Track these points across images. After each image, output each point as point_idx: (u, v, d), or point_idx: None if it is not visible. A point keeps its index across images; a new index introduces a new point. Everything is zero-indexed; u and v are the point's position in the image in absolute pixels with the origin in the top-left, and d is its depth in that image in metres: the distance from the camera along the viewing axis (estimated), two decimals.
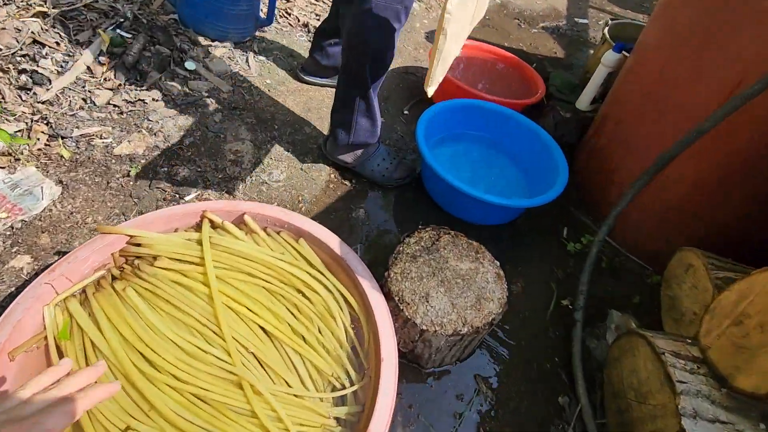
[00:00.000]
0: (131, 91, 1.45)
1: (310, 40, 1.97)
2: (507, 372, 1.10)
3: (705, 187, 1.16)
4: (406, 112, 1.81)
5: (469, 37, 2.03)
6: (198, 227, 1.01)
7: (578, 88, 1.89)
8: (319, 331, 0.91)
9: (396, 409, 0.96)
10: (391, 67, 2.14)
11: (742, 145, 1.05)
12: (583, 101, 1.71)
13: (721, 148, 1.08)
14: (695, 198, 1.19)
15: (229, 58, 1.70)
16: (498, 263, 1.07)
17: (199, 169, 1.35)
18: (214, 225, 1.02)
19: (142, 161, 1.30)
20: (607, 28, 1.87)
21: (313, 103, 1.70)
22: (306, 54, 1.79)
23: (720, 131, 1.00)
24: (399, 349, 1.03)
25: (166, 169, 1.31)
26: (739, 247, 1.20)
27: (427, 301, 0.95)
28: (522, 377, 1.10)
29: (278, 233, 1.05)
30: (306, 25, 2.04)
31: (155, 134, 1.37)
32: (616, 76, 1.65)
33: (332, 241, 1.01)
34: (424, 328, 0.92)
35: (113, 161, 1.28)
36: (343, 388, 0.87)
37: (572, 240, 1.44)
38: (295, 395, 0.82)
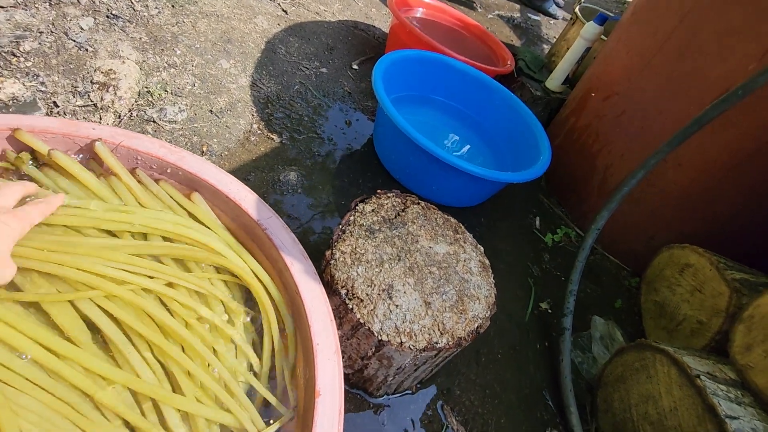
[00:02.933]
0: None
1: None
2: (482, 399, 0.81)
3: (714, 173, 0.98)
4: (355, 66, 1.47)
5: None
6: (3, 158, 0.58)
7: (545, 69, 1.71)
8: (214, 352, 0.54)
9: None
10: (339, 18, 1.80)
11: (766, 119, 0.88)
12: (556, 80, 1.51)
13: (742, 122, 0.91)
14: (699, 187, 1.01)
15: None
16: (482, 248, 0.78)
17: (43, 88, 0.88)
18: (35, 157, 0.60)
19: None
20: (579, 7, 1.71)
21: (236, 34, 1.29)
22: None
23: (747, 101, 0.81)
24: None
25: None
26: (733, 248, 1.05)
27: (390, 298, 0.63)
28: (500, 405, 0.82)
29: (156, 182, 0.65)
30: None
31: None
32: (587, 53, 1.49)
33: (246, 198, 0.64)
34: (385, 338, 0.59)
35: None
36: None
37: (547, 231, 1.21)
38: None
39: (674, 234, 1.10)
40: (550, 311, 1.03)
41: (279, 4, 1.55)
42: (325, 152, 1.11)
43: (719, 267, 0.89)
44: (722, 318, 0.84)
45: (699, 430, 0.64)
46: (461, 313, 0.66)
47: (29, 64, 0.90)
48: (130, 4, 1.14)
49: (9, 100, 0.83)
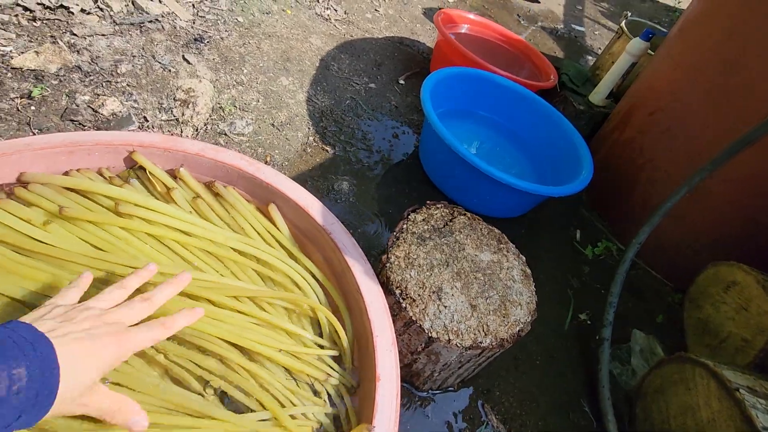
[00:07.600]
0: None
1: None
2: (520, 401, 0.85)
3: (762, 189, 0.98)
4: (401, 82, 1.56)
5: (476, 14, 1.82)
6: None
7: (589, 83, 1.72)
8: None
9: None
10: (386, 34, 1.89)
11: None
12: (600, 94, 1.53)
13: None
14: (745, 204, 1.01)
15: None
16: (524, 258, 0.83)
17: (135, 105, 1.01)
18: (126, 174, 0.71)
19: (54, 82, 0.95)
20: (624, 21, 1.72)
21: (294, 53, 1.40)
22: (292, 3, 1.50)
23: None
24: None
25: (87, 98, 0.97)
26: None
27: (440, 299, 0.69)
28: (538, 408, 0.86)
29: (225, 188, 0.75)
30: None
31: (78, 52, 1.02)
32: (633, 68, 1.49)
33: (313, 206, 0.73)
34: (434, 335, 0.66)
35: (9, 75, 0.92)
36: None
37: (588, 244, 1.23)
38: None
39: (719, 251, 1.09)
40: (589, 322, 1.05)
41: (333, 23, 1.66)
42: (374, 163, 1.20)
43: (766, 286, 0.89)
44: (767, 336, 0.84)
45: None
46: (504, 317, 0.71)
47: (125, 84, 1.04)
48: (205, 29, 1.27)
49: (110, 116, 0.96)
